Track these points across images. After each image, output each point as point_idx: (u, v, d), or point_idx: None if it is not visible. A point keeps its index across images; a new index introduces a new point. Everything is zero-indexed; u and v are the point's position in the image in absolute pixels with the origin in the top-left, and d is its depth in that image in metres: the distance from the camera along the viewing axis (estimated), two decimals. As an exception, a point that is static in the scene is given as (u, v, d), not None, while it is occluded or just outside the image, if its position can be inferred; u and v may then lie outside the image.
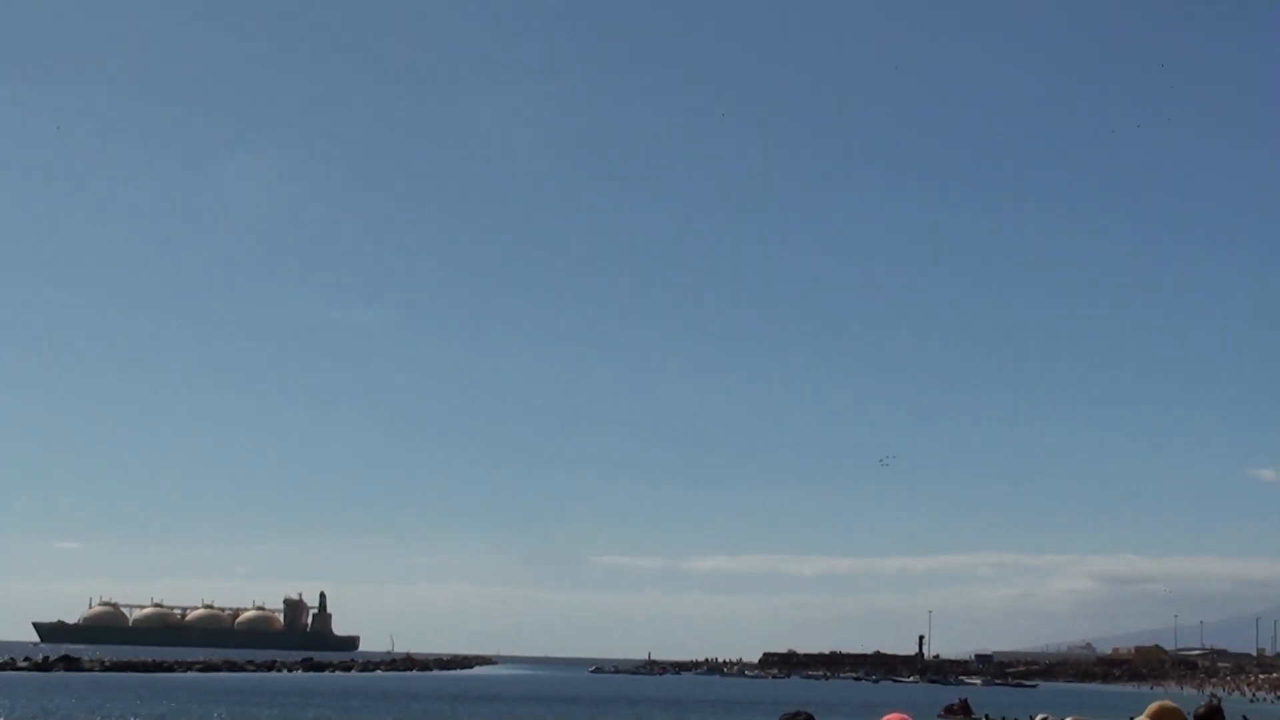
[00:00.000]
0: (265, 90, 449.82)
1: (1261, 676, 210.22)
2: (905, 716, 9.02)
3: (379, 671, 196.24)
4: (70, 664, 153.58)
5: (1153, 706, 10.42)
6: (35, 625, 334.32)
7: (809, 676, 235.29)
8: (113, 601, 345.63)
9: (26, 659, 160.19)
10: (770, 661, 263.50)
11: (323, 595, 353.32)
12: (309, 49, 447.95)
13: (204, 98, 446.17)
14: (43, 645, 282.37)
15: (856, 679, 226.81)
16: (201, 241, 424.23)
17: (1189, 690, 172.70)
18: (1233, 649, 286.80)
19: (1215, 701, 11.99)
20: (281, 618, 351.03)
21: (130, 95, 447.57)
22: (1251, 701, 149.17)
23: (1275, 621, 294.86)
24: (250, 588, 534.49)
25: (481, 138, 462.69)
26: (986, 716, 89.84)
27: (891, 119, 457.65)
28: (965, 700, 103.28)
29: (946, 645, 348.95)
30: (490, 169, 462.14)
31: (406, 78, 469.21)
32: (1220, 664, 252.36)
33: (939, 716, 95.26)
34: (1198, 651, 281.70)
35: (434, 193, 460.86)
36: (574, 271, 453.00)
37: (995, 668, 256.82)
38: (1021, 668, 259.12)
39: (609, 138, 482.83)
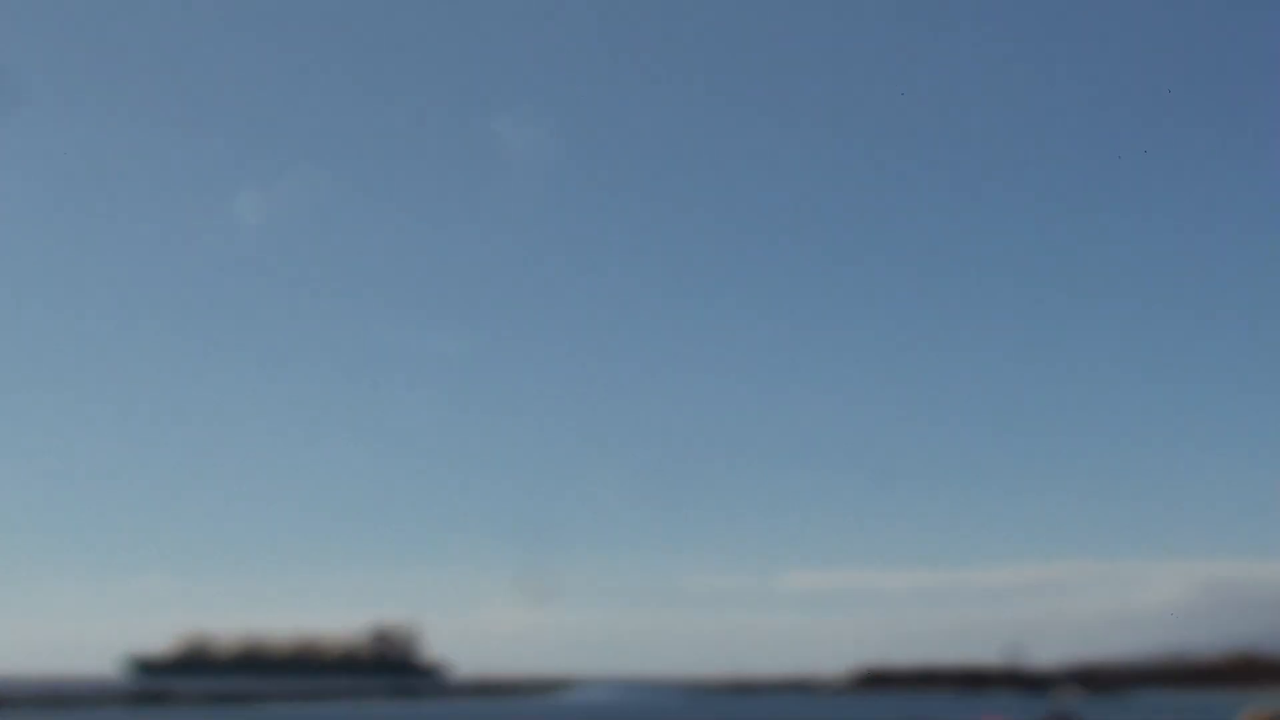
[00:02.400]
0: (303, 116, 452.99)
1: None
2: (1002, 718, 8.56)
3: (471, 698, 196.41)
4: (160, 698, 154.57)
5: (1245, 715, 9.87)
6: (123, 660, 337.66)
7: (902, 692, 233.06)
8: (200, 634, 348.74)
9: (116, 694, 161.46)
10: (863, 678, 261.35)
11: (411, 623, 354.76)
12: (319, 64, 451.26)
13: (235, 124, 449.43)
14: (132, 680, 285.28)
15: (950, 693, 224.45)
16: (282, 275, 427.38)
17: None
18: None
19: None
20: (371, 646, 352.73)
21: (165, 121, 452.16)
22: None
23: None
24: (338, 616, 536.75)
25: (504, 159, 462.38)
26: None
27: (902, 122, 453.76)
28: (1063, 715, 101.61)
29: (1041, 656, 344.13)
30: (513, 190, 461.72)
31: (428, 101, 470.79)
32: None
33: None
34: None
35: (462, 213, 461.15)
36: (664, 301, 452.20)
37: (1091, 677, 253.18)
38: (1118, 676, 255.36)
39: (628, 157, 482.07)
